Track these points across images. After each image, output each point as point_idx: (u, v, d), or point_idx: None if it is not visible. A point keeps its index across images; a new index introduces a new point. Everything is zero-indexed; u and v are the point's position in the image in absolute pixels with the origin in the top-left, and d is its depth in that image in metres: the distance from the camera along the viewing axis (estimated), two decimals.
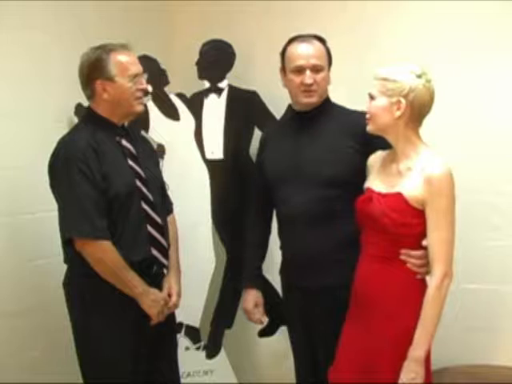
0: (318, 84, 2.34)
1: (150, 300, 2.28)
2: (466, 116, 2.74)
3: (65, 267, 2.35)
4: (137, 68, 2.30)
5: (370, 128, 2.14)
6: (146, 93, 2.37)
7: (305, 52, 2.35)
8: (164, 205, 2.47)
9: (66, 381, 2.62)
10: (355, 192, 2.21)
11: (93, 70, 2.26)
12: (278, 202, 2.46)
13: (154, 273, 2.36)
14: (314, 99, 2.37)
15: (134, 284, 2.25)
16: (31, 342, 2.64)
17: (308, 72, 2.33)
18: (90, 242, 2.19)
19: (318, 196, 2.33)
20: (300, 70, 2.34)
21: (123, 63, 2.26)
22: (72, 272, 2.33)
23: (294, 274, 2.46)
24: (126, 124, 2.40)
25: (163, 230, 2.39)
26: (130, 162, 2.32)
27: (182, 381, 2.63)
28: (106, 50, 2.26)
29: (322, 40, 2.38)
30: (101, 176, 2.21)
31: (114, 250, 2.21)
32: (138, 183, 2.31)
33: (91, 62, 2.26)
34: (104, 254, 2.20)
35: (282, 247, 2.50)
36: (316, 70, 2.34)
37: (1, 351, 2.52)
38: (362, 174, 2.27)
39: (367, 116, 2.13)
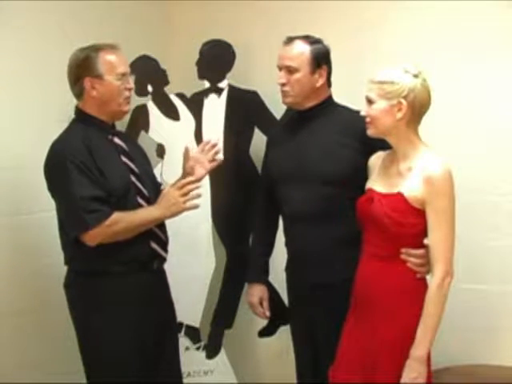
0: (291, 85, 2.36)
1: (168, 206, 2.29)
2: (466, 116, 2.74)
3: (65, 267, 2.36)
4: (124, 68, 2.34)
5: (371, 132, 2.14)
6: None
7: (282, 53, 2.38)
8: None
9: (66, 380, 2.62)
10: (355, 191, 2.23)
11: (82, 68, 2.29)
12: (281, 200, 2.48)
13: (155, 268, 2.37)
14: (288, 99, 2.41)
15: (151, 216, 2.29)
16: (31, 342, 2.64)
17: (281, 72, 2.37)
18: (96, 229, 2.19)
19: (317, 194, 2.35)
20: (280, 70, 2.39)
21: (111, 62, 2.30)
22: (73, 273, 2.34)
23: (296, 272, 2.49)
24: (121, 124, 2.44)
25: (160, 224, 2.40)
26: (124, 159, 2.35)
27: (182, 381, 2.63)
28: (94, 48, 2.30)
29: (312, 41, 2.37)
30: (97, 172, 2.23)
31: (118, 217, 2.22)
32: (133, 178, 2.34)
33: (80, 60, 2.29)
34: (114, 227, 2.21)
35: (286, 244, 2.53)
36: (289, 70, 2.36)
37: (1, 351, 2.52)
38: (361, 172, 2.27)
39: (367, 120, 2.13)
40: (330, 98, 2.45)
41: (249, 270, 2.62)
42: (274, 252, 2.64)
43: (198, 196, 2.33)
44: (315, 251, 2.37)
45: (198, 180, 2.39)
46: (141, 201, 2.34)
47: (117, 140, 2.37)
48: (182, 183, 2.32)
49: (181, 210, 2.32)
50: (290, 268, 2.54)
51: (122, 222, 2.23)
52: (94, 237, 2.21)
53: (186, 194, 2.30)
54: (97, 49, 2.29)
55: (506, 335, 2.73)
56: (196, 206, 2.33)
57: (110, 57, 2.30)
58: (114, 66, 2.29)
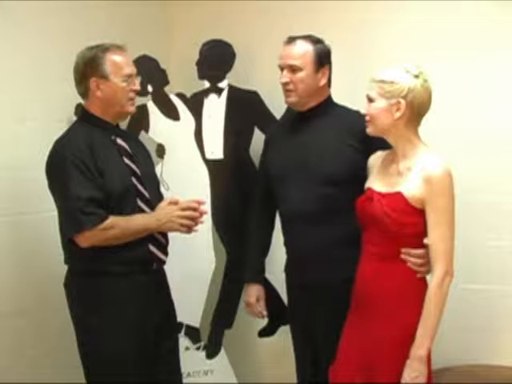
0: (294, 84, 2.36)
1: (163, 221, 2.29)
2: (466, 116, 2.74)
3: (65, 267, 2.36)
4: (131, 69, 2.34)
5: (370, 130, 2.15)
6: (139, 93, 2.41)
7: (284, 52, 2.38)
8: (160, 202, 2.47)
9: (66, 381, 2.62)
10: (354, 191, 2.23)
11: (88, 68, 2.28)
12: (279, 200, 2.48)
13: (154, 269, 2.37)
14: (291, 99, 2.40)
15: (146, 226, 2.28)
16: (31, 342, 2.64)
17: (284, 72, 2.37)
18: (90, 232, 2.19)
19: (317, 194, 2.35)
20: (282, 70, 2.38)
21: (118, 63, 2.29)
22: (72, 272, 2.34)
23: (295, 272, 2.49)
24: (120, 125, 2.43)
25: None
26: (126, 160, 2.35)
27: (182, 381, 2.63)
28: (101, 49, 2.29)
29: (314, 41, 2.37)
30: (97, 172, 2.23)
31: (114, 222, 2.22)
32: (134, 181, 2.33)
33: (87, 60, 2.29)
34: (109, 232, 2.21)
35: (285, 244, 2.53)
36: (292, 70, 2.35)
37: (1, 351, 2.52)
38: (361, 172, 2.27)
39: (366, 118, 2.14)
40: (329, 97, 2.45)
41: (245, 270, 2.61)
42: (274, 252, 2.64)
43: (198, 223, 2.35)
44: (315, 251, 2.36)
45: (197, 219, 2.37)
46: (141, 204, 2.33)
47: (120, 141, 2.36)
48: (187, 205, 2.33)
49: (174, 230, 2.34)
50: (289, 268, 2.53)
51: (117, 228, 2.22)
52: (86, 239, 2.20)
53: (185, 217, 2.31)
54: (104, 49, 2.29)
55: (505, 335, 2.73)
56: (189, 232, 2.36)
57: (117, 57, 2.29)
58: (121, 67, 2.29)
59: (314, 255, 2.37)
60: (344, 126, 2.37)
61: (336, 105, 2.47)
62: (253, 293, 2.58)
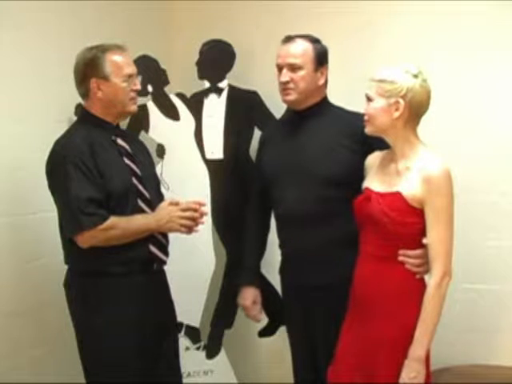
0: (295, 82, 2.35)
1: (164, 221, 2.30)
2: (467, 116, 2.74)
3: (65, 267, 2.36)
4: (131, 69, 2.33)
5: (368, 129, 2.15)
6: (139, 93, 2.41)
7: (284, 51, 2.38)
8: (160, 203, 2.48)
9: (66, 380, 2.62)
10: (352, 192, 2.22)
11: (88, 69, 2.28)
12: (275, 201, 2.47)
13: (154, 270, 2.37)
14: (291, 97, 2.38)
15: (147, 226, 2.28)
16: (31, 342, 2.64)
17: (284, 70, 2.36)
18: (90, 232, 2.19)
19: (314, 195, 2.35)
20: (280, 69, 2.38)
21: (118, 63, 2.29)
22: (72, 272, 2.34)
23: (292, 273, 2.49)
24: (120, 125, 2.44)
25: None
26: (126, 161, 2.35)
27: (182, 381, 2.63)
28: (101, 49, 2.30)
29: (313, 40, 2.38)
30: (97, 173, 2.23)
31: (114, 222, 2.22)
32: (135, 181, 2.33)
33: (87, 60, 2.29)
34: (109, 232, 2.21)
35: (280, 246, 2.52)
36: (293, 68, 2.35)
37: (1, 351, 2.52)
38: (359, 173, 2.27)
39: (365, 118, 2.14)
40: (326, 98, 2.46)
41: (242, 273, 2.60)
42: (274, 253, 2.63)
43: (198, 224, 2.36)
44: (313, 252, 2.36)
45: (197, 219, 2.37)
46: (142, 204, 2.33)
47: (120, 141, 2.37)
48: (187, 206, 2.33)
49: (175, 231, 2.34)
50: (285, 269, 2.52)
51: (117, 228, 2.22)
52: (87, 239, 2.21)
53: (186, 218, 2.31)
54: (104, 49, 2.29)
55: (504, 335, 2.73)
56: (190, 232, 2.36)
57: (117, 58, 2.29)
58: (121, 67, 2.29)
59: (312, 256, 2.36)
60: (341, 127, 2.37)
61: (332, 105, 2.47)
62: (248, 296, 2.56)
